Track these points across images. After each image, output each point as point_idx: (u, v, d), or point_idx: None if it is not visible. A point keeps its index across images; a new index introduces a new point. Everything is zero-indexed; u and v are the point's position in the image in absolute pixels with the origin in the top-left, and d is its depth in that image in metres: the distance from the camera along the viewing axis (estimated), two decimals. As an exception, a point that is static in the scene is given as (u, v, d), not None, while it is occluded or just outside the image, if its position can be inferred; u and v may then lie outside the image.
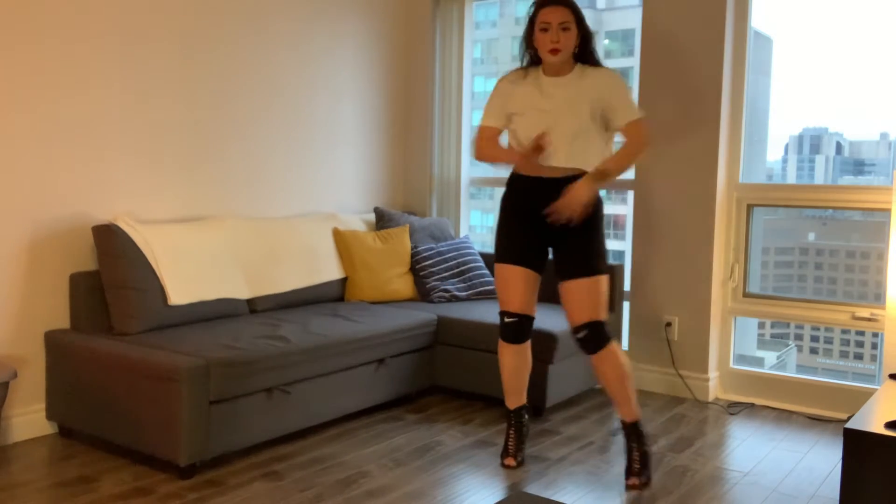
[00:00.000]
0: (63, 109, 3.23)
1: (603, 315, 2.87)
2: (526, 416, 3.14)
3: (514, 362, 3.03)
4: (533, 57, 2.93)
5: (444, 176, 4.77)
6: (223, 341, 3.03)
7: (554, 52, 2.81)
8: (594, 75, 2.88)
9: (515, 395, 3.10)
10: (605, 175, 2.82)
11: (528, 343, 3.04)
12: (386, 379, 3.59)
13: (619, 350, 2.90)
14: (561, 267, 2.91)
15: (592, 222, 2.89)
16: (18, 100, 3.10)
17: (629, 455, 2.89)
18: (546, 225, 2.88)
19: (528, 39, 2.89)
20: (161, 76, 3.56)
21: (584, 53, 2.90)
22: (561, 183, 2.82)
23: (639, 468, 2.85)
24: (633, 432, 2.90)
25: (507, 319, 2.98)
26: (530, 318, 3.00)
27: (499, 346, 3.05)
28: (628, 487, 2.84)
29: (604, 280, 2.89)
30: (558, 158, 2.83)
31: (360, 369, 3.45)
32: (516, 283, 2.94)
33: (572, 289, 2.87)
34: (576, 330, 2.88)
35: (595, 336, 2.85)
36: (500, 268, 2.98)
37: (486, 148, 2.99)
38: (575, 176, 2.82)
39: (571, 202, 2.77)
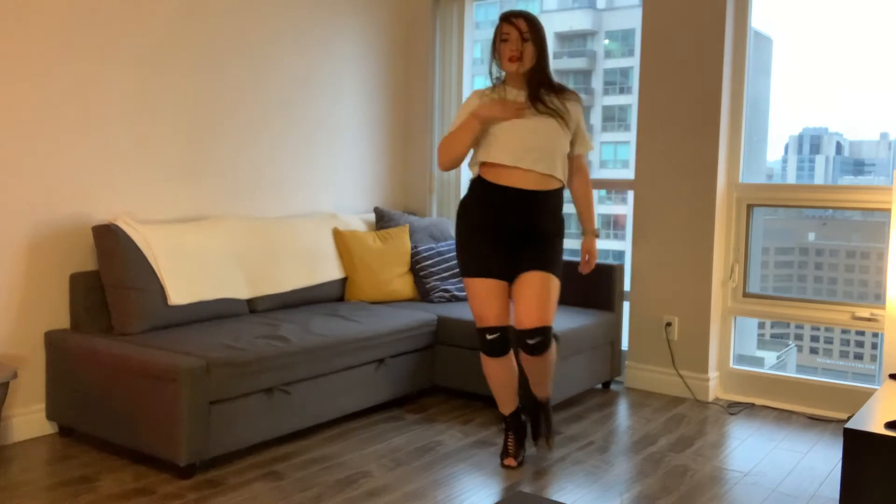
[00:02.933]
0: (63, 109, 3.23)
1: (552, 319, 2.92)
2: (523, 417, 3.14)
3: (502, 374, 3.03)
4: (497, 75, 3.05)
5: (444, 176, 4.77)
6: (223, 341, 3.03)
7: (512, 59, 2.92)
8: (572, 99, 3.02)
9: (509, 402, 3.09)
10: (597, 231, 3.20)
11: (512, 352, 3.02)
12: (386, 379, 3.59)
13: (555, 347, 3.03)
14: (519, 265, 2.96)
15: (555, 239, 3.02)
16: (19, 100, 3.10)
17: (537, 422, 3.14)
18: (513, 235, 2.96)
19: (494, 53, 3.01)
20: (161, 77, 3.56)
21: (542, 71, 2.97)
22: (534, 196, 2.93)
23: (548, 431, 3.13)
24: (544, 406, 3.14)
25: (489, 336, 2.96)
26: (508, 328, 2.99)
27: (483, 361, 3.04)
28: (538, 446, 3.15)
29: (556, 282, 2.96)
30: (538, 165, 2.91)
31: (360, 369, 3.45)
32: (490, 296, 2.95)
33: (525, 280, 2.92)
34: (528, 334, 2.88)
35: (545, 343, 2.90)
36: (472, 282, 2.98)
37: (442, 143, 3.01)
38: (546, 190, 2.94)
39: (592, 261, 3.16)
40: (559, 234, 3.04)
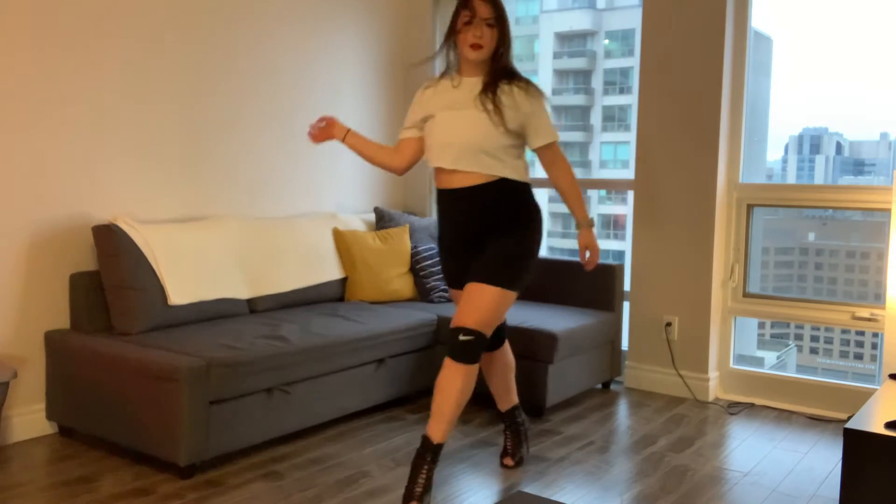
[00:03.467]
0: (63, 109, 3.23)
1: (485, 328, 2.64)
2: (521, 416, 3.12)
3: (493, 368, 3.02)
4: (450, 61, 2.80)
5: (444, 176, 4.76)
6: (223, 341, 3.03)
7: (475, 47, 2.65)
8: (520, 87, 2.72)
9: (503, 398, 3.09)
10: (590, 220, 2.87)
11: (502, 349, 2.99)
12: (386, 379, 3.59)
13: (469, 376, 2.66)
14: (472, 269, 2.73)
15: (516, 234, 2.73)
16: (18, 100, 3.10)
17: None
18: (471, 236, 2.76)
19: (450, 37, 2.74)
20: (160, 76, 3.56)
21: (503, 59, 2.73)
22: (475, 191, 2.70)
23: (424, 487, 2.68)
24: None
25: None
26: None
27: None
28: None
29: (499, 294, 2.65)
30: (470, 164, 2.68)
31: (360, 369, 3.45)
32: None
33: (466, 289, 2.69)
34: (461, 331, 2.62)
35: (475, 347, 2.63)
36: (451, 292, 2.97)
37: None
38: (487, 184, 2.69)
39: (593, 256, 2.85)
40: (517, 232, 2.73)
